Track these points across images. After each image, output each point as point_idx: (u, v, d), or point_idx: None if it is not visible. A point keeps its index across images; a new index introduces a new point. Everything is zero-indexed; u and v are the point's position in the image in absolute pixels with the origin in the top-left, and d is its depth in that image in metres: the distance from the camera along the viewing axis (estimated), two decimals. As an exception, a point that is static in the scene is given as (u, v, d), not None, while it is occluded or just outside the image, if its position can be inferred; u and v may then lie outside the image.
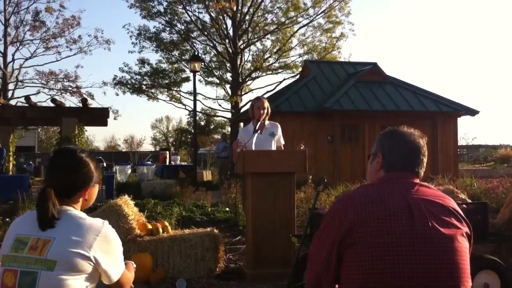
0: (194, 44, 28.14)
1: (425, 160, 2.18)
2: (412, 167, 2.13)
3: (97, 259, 2.03)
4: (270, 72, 28.56)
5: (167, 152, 22.82)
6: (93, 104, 28.14)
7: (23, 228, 2.11)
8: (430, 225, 1.93)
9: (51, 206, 2.06)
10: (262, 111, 6.21)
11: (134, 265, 2.44)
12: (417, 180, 2.11)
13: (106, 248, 2.07)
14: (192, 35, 28.03)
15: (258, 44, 28.78)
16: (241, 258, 6.28)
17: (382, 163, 2.16)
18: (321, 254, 2.01)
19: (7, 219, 7.50)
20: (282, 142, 6.46)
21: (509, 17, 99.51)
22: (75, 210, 2.16)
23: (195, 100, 18.65)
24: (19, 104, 24.86)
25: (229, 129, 31.12)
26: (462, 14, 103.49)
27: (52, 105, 13.75)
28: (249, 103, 6.83)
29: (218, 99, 29.78)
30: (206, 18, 27.53)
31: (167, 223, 5.89)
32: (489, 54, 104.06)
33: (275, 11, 27.71)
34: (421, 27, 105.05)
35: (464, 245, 1.98)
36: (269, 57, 28.38)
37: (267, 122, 6.35)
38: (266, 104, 6.31)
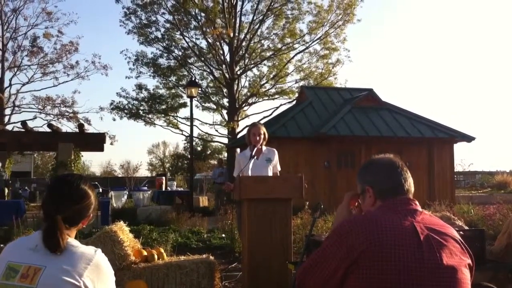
0: (191, 70, 28.25)
1: (409, 175, 2.20)
2: (402, 187, 2.14)
3: None
4: (267, 98, 28.64)
5: (163, 177, 22.73)
6: (89, 129, 28.19)
7: (15, 255, 2.08)
8: (438, 255, 1.93)
9: (64, 237, 2.05)
10: (258, 138, 6.23)
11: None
12: (417, 205, 2.10)
13: (97, 277, 2.04)
14: (189, 61, 28.18)
15: (254, 70, 28.96)
16: (237, 285, 6.22)
17: (374, 195, 2.16)
18: (324, 272, 1.99)
19: (1, 245, 7.42)
20: (279, 168, 6.48)
21: (504, 43, 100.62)
22: (69, 238, 2.13)
23: (192, 126, 18.67)
24: (15, 129, 24.84)
25: (226, 154, 31.11)
26: (458, 39, 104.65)
27: (48, 130, 13.74)
28: (246, 129, 6.89)
29: (215, 124, 29.77)
30: (203, 44, 27.76)
31: (162, 250, 5.84)
32: (485, 81, 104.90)
33: (271, 38, 27.95)
34: (417, 53, 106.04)
35: (466, 277, 1.98)
36: (266, 82, 28.52)
37: (264, 147, 6.37)
38: (263, 130, 6.34)
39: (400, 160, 2.23)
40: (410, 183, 2.17)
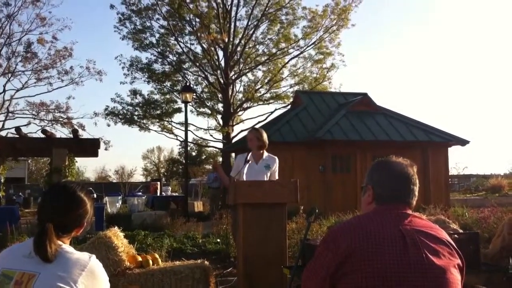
0: (186, 75, 28.28)
1: (416, 189, 2.19)
2: (403, 198, 2.15)
3: None
4: (262, 103, 28.69)
5: (158, 182, 22.73)
6: (84, 135, 28.07)
7: (9, 261, 2.07)
8: (424, 256, 1.94)
9: (52, 245, 2.03)
10: (254, 143, 6.24)
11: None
12: (410, 211, 2.12)
13: (92, 283, 2.03)
14: (184, 66, 28.20)
15: (249, 75, 29.02)
16: (232, 290, 6.21)
17: (373, 196, 2.18)
18: (315, 282, 2.02)
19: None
20: (276, 177, 6.41)
21: (499, 48, 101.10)
22: (63, 245, 2.13)
23: (186, 131, 18.69)
24: (9, 135, 24.74)
25: (221, 159, 31.09)
26: (452, 43, 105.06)
27: (42, 136, 13.69)
28: (246, 133, 6.91)
29: (210, 129, 29.75)
30: (198, 49, 27.79)
31: (157, 255, 5.82)
32: (479, 85, 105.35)
33: (266, 43, 28.02)
34: (411, 57, 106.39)
35: (456, 277, 1.98)
36: (261, 87, 28.56)
37: (265, 154, 6.36)
38: (260, 135, 6.31)
39: (413, 170, 2.20)
40: (413, 196, 2.16)
